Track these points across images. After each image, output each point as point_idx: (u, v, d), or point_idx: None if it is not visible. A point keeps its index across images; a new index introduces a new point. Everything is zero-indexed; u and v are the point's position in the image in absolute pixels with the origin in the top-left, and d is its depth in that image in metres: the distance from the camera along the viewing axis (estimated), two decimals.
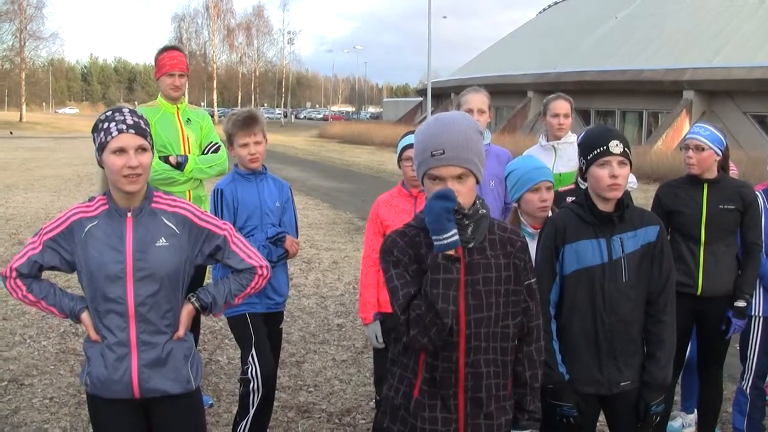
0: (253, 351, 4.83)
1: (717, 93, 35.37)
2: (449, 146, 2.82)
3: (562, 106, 5.83)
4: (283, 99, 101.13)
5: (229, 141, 4.97)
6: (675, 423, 5.89)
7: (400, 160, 4.81)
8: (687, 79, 35.61)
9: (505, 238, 3.03)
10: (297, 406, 6.21)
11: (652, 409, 3.70)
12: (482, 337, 2.94)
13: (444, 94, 58.09)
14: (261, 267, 3.58)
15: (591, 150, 3.67)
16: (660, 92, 37.26)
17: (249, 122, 4.87)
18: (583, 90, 39.50)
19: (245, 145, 4.87)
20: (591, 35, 47.19)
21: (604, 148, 3.61)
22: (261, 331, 4.89)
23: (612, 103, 41.14)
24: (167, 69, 6.05)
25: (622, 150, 3.61)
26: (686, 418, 5.93)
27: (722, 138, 4.99)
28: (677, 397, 6.03)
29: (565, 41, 48.69)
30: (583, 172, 3.77)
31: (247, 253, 3.56)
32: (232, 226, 3.58)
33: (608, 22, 47.54)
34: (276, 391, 5.58)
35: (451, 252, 2.79)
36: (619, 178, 3.59)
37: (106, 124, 3.24)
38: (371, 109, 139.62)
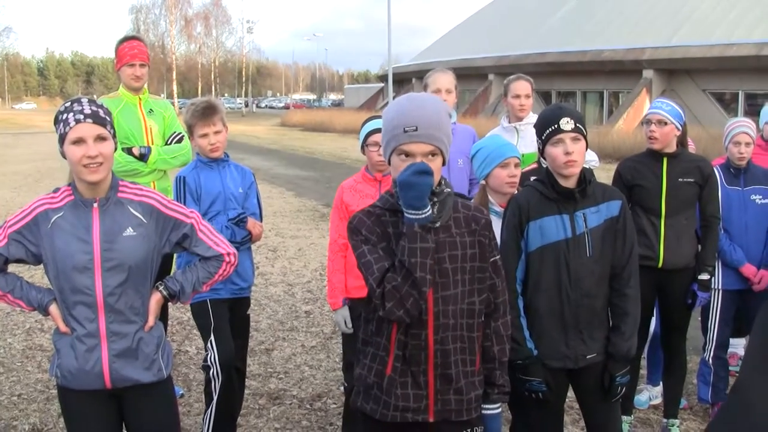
0: (212, 336, 4.84)
1: (676, 71, 35.66)
2: (423, 123, 2.87)
3: (522, 86, 5.86)
4: (243, 88, 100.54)
5: (189, 131, 4.96)
6: (642, 396, 5.98)
7: (365, 145, 4.82)
8: (646, 59, 35.85)
9: (469, 216, 3.10)
10: (268, 393, 6.22)
11: (617, 380, 3.75)
12: (450, 315, 3.00)
13: (405, 80, 58.07)
14: (228, 254, 3.61)
15: (544, 129, 3.72)
16: (620, 72, 37.49)
17: (207, 112, 4.86)
18: (544, 71, 39.64)
19: (205, 135, 4.86)
20: (551, 17, 47.34)
21: (556, 126, 3.66)
22: (222, 316, 4.89)
23: (573, 84, 41.38)
24: (128, 59, 5.99)
25: (573, 126, 3.65)
26: (653, 391, 6.03)
27: (682, 113, 5.06)
28: (643, 371, 6.12)
29: (525, 23, 48.81)
30: (541, 152, 3.82)
31: (215, 240, 3.57)
32: (199, 214, 3.59)
33: (568, 3, 47.73)
34: (246, 379, 5.60)
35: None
36: (574, 154, 3.63)
37: (65, 116, 3.24)
38: (332, 96, 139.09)
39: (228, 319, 4.95)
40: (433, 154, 2.91)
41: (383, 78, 62.93)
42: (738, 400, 1.11)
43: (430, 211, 2.87)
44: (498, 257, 3.19)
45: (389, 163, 3.02)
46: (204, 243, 3.54)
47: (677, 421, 5.39)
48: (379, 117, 4.53)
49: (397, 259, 2.86)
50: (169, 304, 3.87)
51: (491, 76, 45.99)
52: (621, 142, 27.51)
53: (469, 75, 45.20)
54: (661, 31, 36.93)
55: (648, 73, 35.94)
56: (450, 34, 64.62)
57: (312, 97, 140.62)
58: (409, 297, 2.83)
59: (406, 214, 2.85)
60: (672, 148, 5.03)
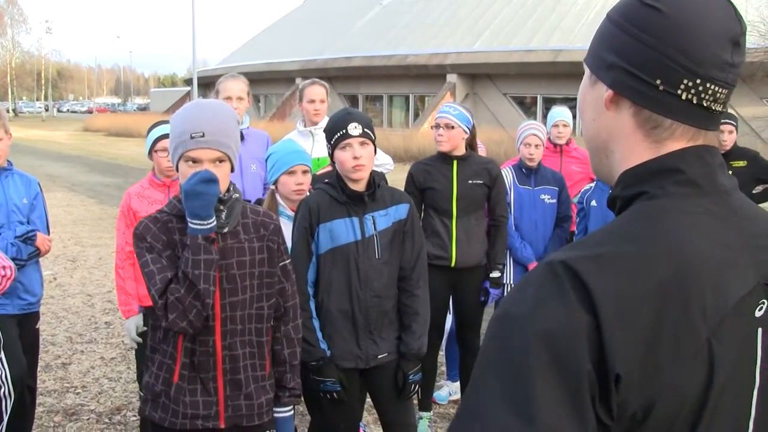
0: (1, 354, 4.62)
1: (479, 76, 36.90)
2: (209, 130, 2.86)
3: (317, 92, 5.85)
4: (43, 92, 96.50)
5: None
6: (442, 392, 6.14)
7: (153, 151, 4.73)
8: (450, 63, 36.88)
9: (258, 221, 3.11)
10: (64, 409, 5.98)
11: (410, 378, 3.86)
12: (238, 320, 3.00)
13: (212, 83, 56.58)
14: (4, 268, 3.48)
15: (333, 134, 3.78)
16: (425, 76, 38.42)
17: None
18: (351, 75, 40.24)
19: None
20: (357, 22, 47.95)
21: (344, 131, 3.72)
22: (10, 332, 4.66)
23: (379, 88, 42.06)
24: None
25: (361, 131, 3.73)
26: (452, 386, 6.20)
27: (469, 117, 5.24)
28: (443, 368, 6.29)
29: (332, 28, 49.21)
30: (331, 156, 3.87)
31: None
32: None
33: (374, 8, 48.49)
34: (40, 396, 5.37)
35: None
36: (362, 159, 3.71)
37: None
38: (138, 100, 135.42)
39: (17, 335, 4.72)
40: (221, 161, 2.91)
41: (190, 81, 61.91)
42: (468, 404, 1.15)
43: (215, 222, 2.86)
44: (288, 261, 3.22)
45: (177, 170, 2.98)
46: None
47: None
48: (166, 122, 4.47)
49: (180, 270, 2.83)
50: None
51: (298, 80, 46.03)
52: (427, 143, 28.21)
53: (276, 79, 45.28)
54: (464, 37, 38.16)
55: (452, 77, 37.00)
56: (258, 37, 64.30)
57: (117, 101, 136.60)
58: (192, 308, 2.80)
59: (190, 225, 2.83)
60: (461, 151, 5.20)
